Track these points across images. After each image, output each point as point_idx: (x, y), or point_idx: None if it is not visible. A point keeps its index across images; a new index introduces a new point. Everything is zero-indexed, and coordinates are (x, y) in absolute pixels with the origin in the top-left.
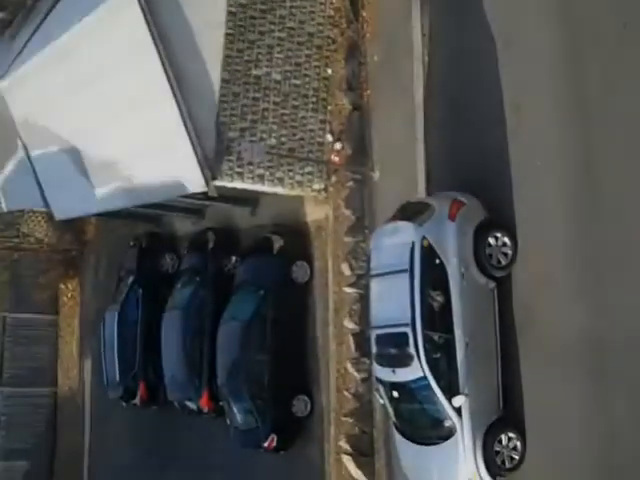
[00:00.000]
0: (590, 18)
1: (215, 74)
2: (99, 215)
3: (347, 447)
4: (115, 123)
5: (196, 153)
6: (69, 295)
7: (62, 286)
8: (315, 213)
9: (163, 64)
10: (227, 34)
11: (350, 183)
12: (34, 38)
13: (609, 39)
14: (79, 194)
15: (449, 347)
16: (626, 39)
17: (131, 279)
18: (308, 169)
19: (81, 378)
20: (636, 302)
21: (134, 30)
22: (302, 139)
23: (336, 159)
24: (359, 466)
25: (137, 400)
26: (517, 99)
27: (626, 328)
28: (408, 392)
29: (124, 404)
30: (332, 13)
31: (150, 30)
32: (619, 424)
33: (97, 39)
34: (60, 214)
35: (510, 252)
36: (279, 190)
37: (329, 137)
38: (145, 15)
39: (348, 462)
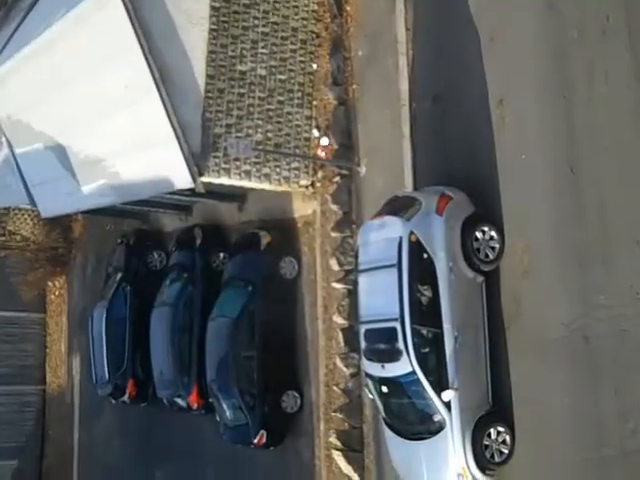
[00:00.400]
0: (574, 12)
1: (200, 70)
2: (86, 212)
3: (337, 442)
4: (100, 120)
5: (182, 149)
6: (57, 293)
7: (50, 284)
8: (302, 209)
9: (147, 60)
10: (211, 29)
11: (337, 178)
12: (16, 35)
13: (593, 33)
14: (65, 191)
15: (438, 341)
16: (609, 33)
17: (119, 276)
18: (295, 165)
19: (70, 376)
20: (621, 294)
21: (117, 26)
22: (288, 134)
23: (322, 154)
24: (349, 461)
25: (126, 397)
26: (501, 93)
27: (611, 322)
28: (397, 387)
29: (113, 401)
30: (316, 8)
31: (133, 26)
32: (606, 417)
33: (80, 35)
34: (46, 212)
35: (497, 246)
36: (266, 186)
37: (315, 132)
38: (128, 11)
39: (338, 457)
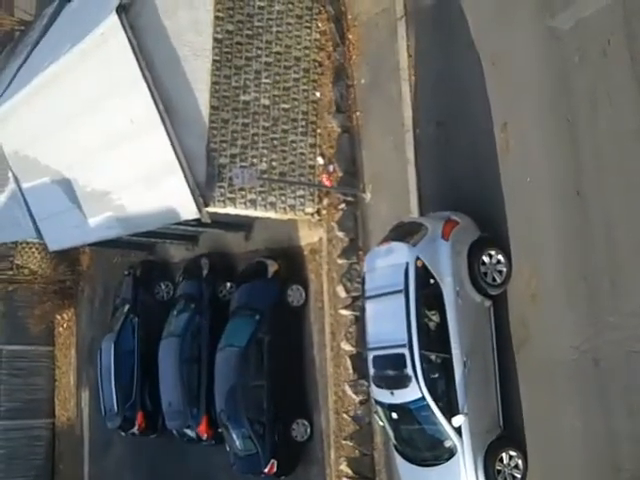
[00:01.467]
0: (575, 35)
1: (204, 101)
2: (93, 245)
3: (348, 470)
4: (106, 153)
5: (187, 180)
6: (65, 326)
7: (58, 317)
8: (309, 236)
9: (151, 93)
10: (214, 61)
11: (342, 205)
12: (22, 70)
13: (594, 56)
14: (72, 224)
15: (447, 367)
16: (611, 55)
17: (127, 308)
18: (300, 193)
19: (79, 408)
20: (630, 315)
21: (121, 59)
22: (293, 163)
23: (327, 182)
24: None
25: (136, 429)
26: (504, 117)
27: (621, 343)
28: (407, 413)
29: (123, 433)
30: (318, 37)
31: (137, 59)
32: (619, 440)
33: (85, 69)
34: (53, 245)
35: (505, 270)
36: (272, 214)
37: (320, 160)
38: (132, 44)
39: None
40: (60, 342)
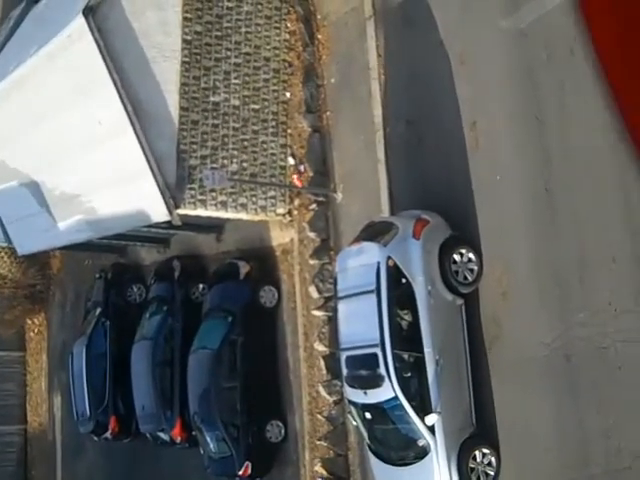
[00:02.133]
0: (542, 34)
1: (173, 103)
2: (63, 248)
3: (323, 471)
4: (75, 155)
5: (158, 183)
6: (36, 330)
7: (28, 321)
8: (280, 237)
9: (120, 94)
10: (183, 62)
11: (313, 206)
12: None
13: (561, 54)
14: (41, 228)
15: (419, 366)
16: (577, 53)
17: (98, 311)
18: (271, 193)
19: (51, 414)
20: (600, 312)
21: (89, 61)
22: (263, 164)
23: (298, 182)
24: None
25: (109, 434)
26: (474, 116)
27: (591, 340)
28: (380, 413)
29: (96, 438)
30: (287, 37)
31: (105, 61)
32: (590, 436)
33: (52, 71)
34: (23, 249)
35: (476, 268)
36: (243, 216)
37: (290, 160)
38: (99, 46)
39: None
40: (31, 347)
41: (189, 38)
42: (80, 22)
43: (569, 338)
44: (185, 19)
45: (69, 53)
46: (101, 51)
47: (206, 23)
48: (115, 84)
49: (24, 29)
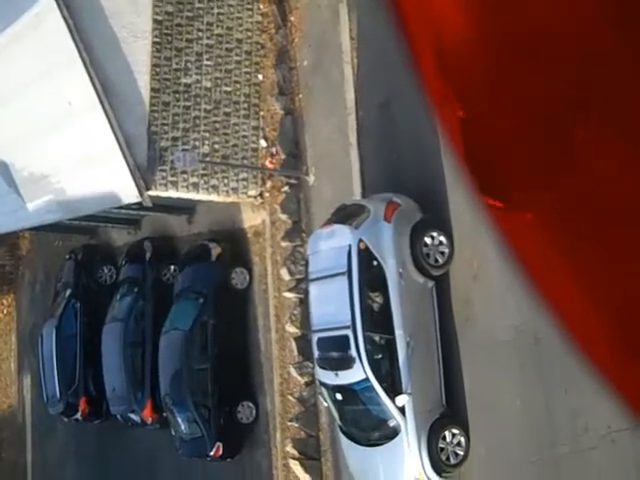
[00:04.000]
0: None
1: (144, 83)
2: (33, 229)
3: (294, 452)
4: (44, 136)
5: (128, 164)
6: (5, 311)
7: None
8: (252, 219)
9: (89, 74)
10: (154, 42)
11: (285, 188)
12: None
13: None
14: (10, 209)
15: (390, 347)
16: None
17: (68, 292)
18: (243, 175)
19: (20, 395)
20: None
21: (58, 40)
22: (235, 146)
23: (270, 165)
24: (307, 470)
25: (79, 415)
26: None
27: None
28: (351, 394)
29: (66, 419)
30: (260, 19)
31: (74, 40)
32: (558, 416)
33: (20, 51)
34: None
35: (447, 251)
36: (214, 197)
37: (263, 143)
38: (68, 25)
39: (295, 466)
40: (0, 328)
41: (160, 18)
42: (48, 0)
43: (538, 321)
44: None
45: (37, 32)
46: (70, 30)
47: (177, 3)
48: (85, 63)
49: None
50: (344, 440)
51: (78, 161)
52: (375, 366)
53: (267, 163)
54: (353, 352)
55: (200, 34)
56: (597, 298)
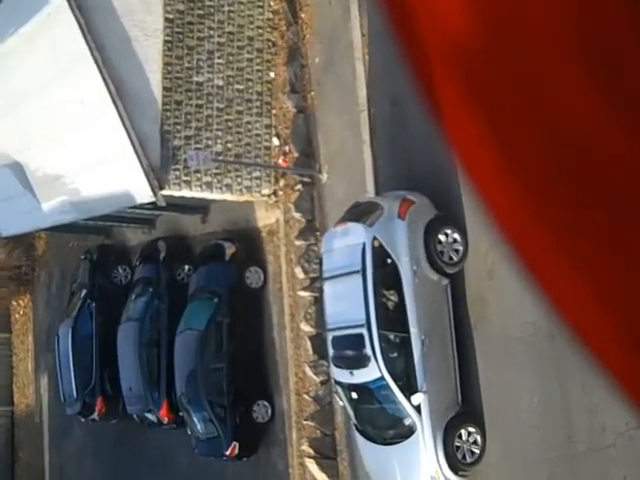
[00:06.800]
0: None
1: (156, 82)
2: (48, 230)
3: (310, 450)
4: (58, 136)
5: (142, 163)
6: (21, 312)
7: (14, 303)
8: (266, 218)
9: (102, 74)
10: (165, 41)
11: (299, 186)
12: None
13: None
14: (25, 209)
15: (405, 345)
16: None
17: (84, 293)
18: (256, 174)
19: (38, 395)
20: None
21: (70, 41)
22: (248, 144)
23: (283, 163)
24: (322, 469)
25: (96, 415)
26: None
27: None
28: (367, 393)
29: (83, 419)
30: (271, 16)
31: (86, 39)
32: (575, 414)
33: (32, 51)
34: (6, 231)
35: (461, 248)
36: (228, 196)
37: (275, 141)
38: (80, 25)
39: (311, 465)
40: (17, 328)
41: (171, 17)
42: (60, 0)
43: (554, 317)
44: None
45: (49, 32)
46: (82, 29)
47: (188, 1)
48: (97, 63)
49: (3, 8)
50: (360, 439)
51: (92, 161)
52: (390, 364)
53: (280, 161)
54: (368, 350)
55: (211, 32)
56: (602, 294)
